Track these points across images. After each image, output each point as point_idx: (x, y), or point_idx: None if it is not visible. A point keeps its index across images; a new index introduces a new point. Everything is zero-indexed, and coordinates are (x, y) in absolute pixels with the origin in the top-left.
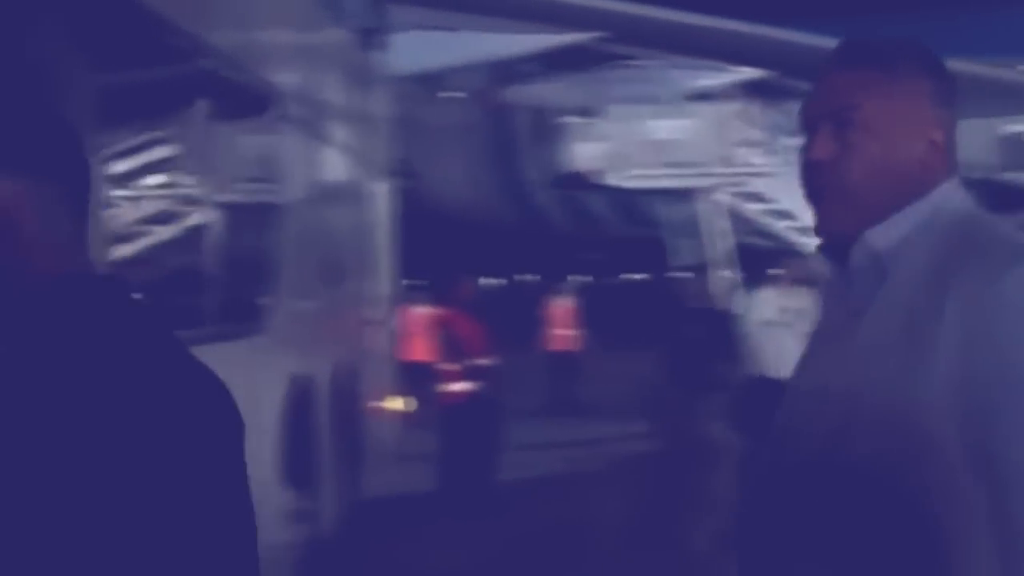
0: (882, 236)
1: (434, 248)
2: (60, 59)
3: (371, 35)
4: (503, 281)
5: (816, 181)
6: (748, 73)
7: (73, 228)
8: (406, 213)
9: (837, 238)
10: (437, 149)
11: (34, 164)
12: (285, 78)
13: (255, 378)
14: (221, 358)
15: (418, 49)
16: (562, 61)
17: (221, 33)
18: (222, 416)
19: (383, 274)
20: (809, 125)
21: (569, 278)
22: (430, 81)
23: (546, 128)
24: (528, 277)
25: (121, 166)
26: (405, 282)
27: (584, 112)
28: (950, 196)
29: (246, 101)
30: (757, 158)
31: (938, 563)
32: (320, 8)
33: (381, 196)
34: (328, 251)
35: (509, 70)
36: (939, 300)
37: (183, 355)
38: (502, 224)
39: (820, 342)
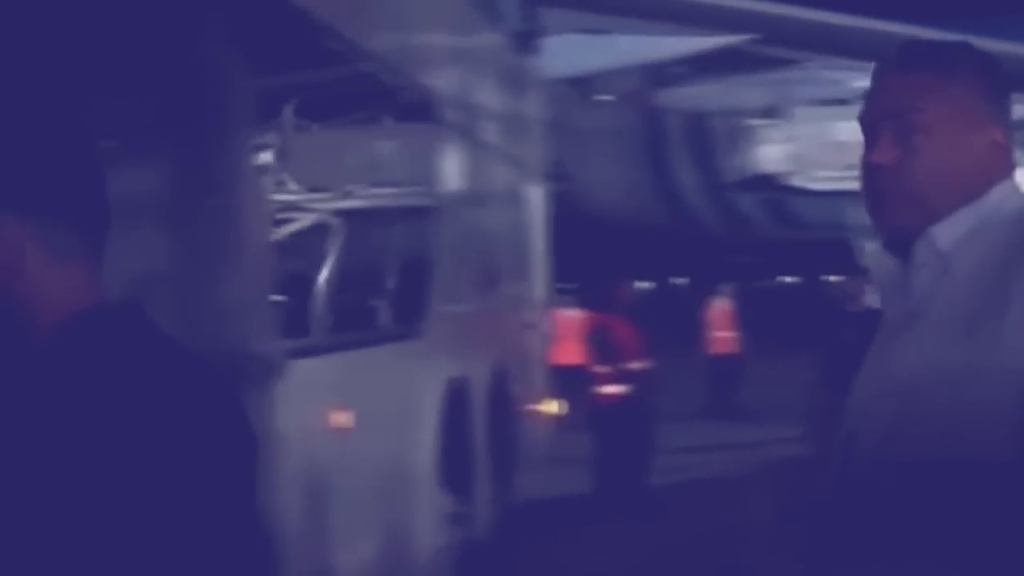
0: (946, 233)
1: (587, 252)
2: (221, 62)
3: (525, 39)
4: (657, 284)
5: (878, 184)
6: None
7: (88, 267)
8: (559, 216)
9: (900, 234)
10: (590, 152)
11: (50, 206)
12: (440, 82)
13: (413, 381)
14: (380, 361)
15: (571, 52)
16: (715, 63)
17: (378, 37)
18: (235, 436)
19: (537, 278)
20: (869, 129)
21: (724, 281)
22: (583, 84)
23: (703, 130)
24: (682, 280)
25: (275, 167)
26: (558, 286)
27: (742, 114)
28: (1009, 194)
29: (402, 105)
30: None
31: (995, 551)
32: (474, 12)
33: (535, 199)
34: (483, 255)
35: (662, 73)
36: (1003, 295)
37: (199, 376)
38: (655, 227)
39: (882, 336)
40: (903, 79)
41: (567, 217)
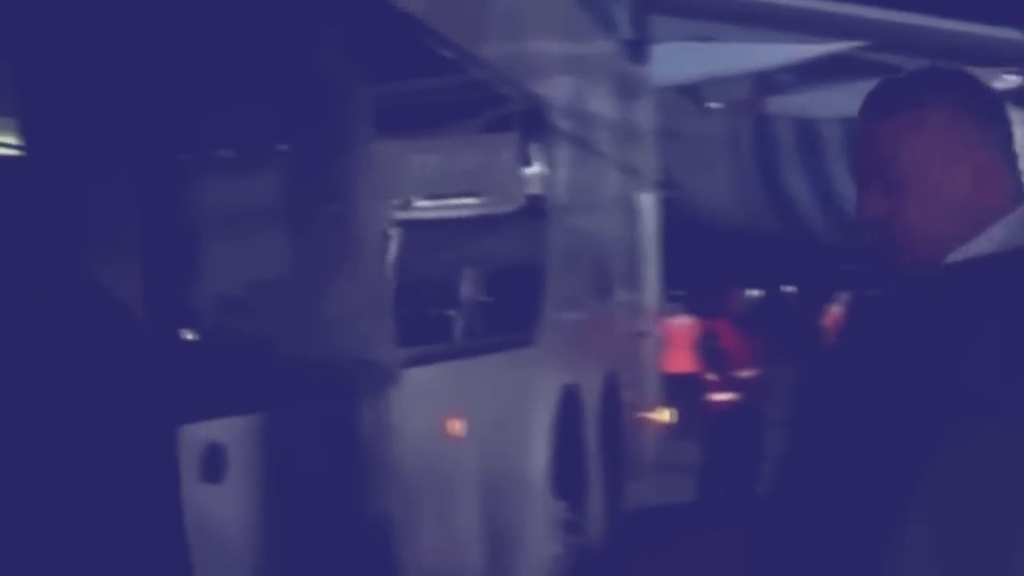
0: None
1: (698, 259)
2: (337, 70)
3: (635, 47)
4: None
5: (876, 237)
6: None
7: None
8: (670, 224)
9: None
10: (700, 160)
11: None
12: (552, 89)
13: (525, 389)
14: (494, 369)
15: (681, 60)
16: (824, 70)
17: (490, 45)
18: None
19: (648, 285)
20: (858, 181)
21: (835, 288)
22: (692, 92)
23: (813, 137)
24: (792, 288)
25: (394, 177)
26: (669, 293)
27: (851, 121)
28: (1015, 230)
29: (515, 112)
30: None
31: None
32: (586, 20)
33: (646, 207)
34: (595, 262)
35: (771, 80)
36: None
37: None
38: (766, 234)
39: None
40: (878, 126)
41: (678, 224)
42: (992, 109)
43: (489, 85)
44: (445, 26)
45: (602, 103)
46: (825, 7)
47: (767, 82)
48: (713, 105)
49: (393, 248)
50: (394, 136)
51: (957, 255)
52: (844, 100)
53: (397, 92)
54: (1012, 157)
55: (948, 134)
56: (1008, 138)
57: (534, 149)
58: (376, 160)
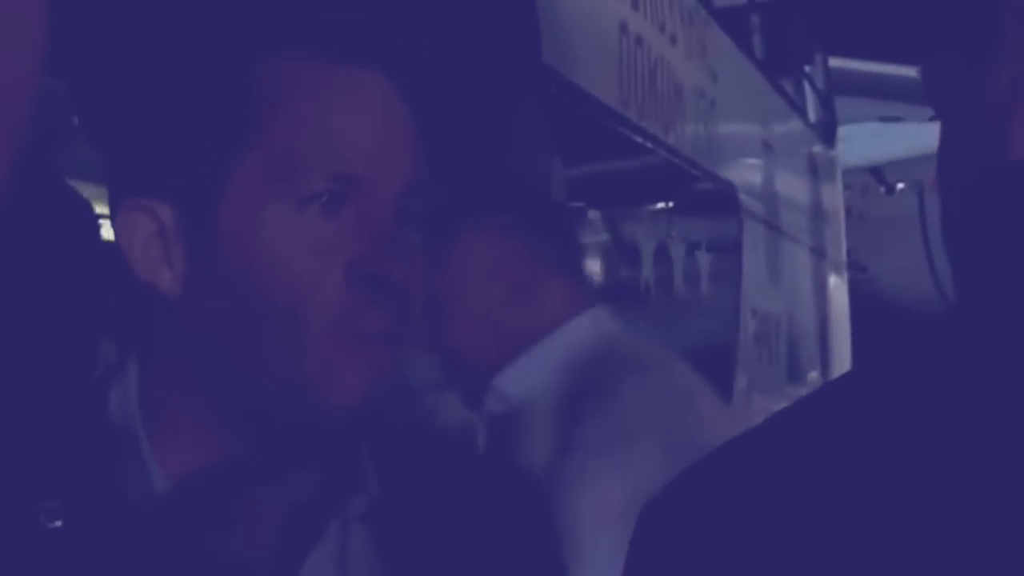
0: (510, 379)
1: (887, 341)
2: (533, 155)
3: (823, 128)
4: None
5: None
6: None
7: None
8: (857, 305)
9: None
10: (887, 240)
11: None
12: (741, 172)
13: None
14: None
15: (868, 141)
16: None
17: (680, 128)
18: None
19: (839, 368)
20: None
21: None
22: (880, 172)
23: None
24: None
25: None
26: None
27: None
28: (574, 333)
29: (703, 195)
30: None
31: None
32: (775, 102)
33: (835, 289)
34: (785, 345)
35: None
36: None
37: None
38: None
39: None
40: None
41: (866, 306)
42: (553, 226)
43: (678, 168)
44: (638, 113)
45: (791, 184)
46: None
47: None
48: (900, 185)
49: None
50: (587, 221)
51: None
52: None
53: (590, 176)
54: (563, 271)
55: (496, 252)
56: (560, 253)
57: (723, 232)
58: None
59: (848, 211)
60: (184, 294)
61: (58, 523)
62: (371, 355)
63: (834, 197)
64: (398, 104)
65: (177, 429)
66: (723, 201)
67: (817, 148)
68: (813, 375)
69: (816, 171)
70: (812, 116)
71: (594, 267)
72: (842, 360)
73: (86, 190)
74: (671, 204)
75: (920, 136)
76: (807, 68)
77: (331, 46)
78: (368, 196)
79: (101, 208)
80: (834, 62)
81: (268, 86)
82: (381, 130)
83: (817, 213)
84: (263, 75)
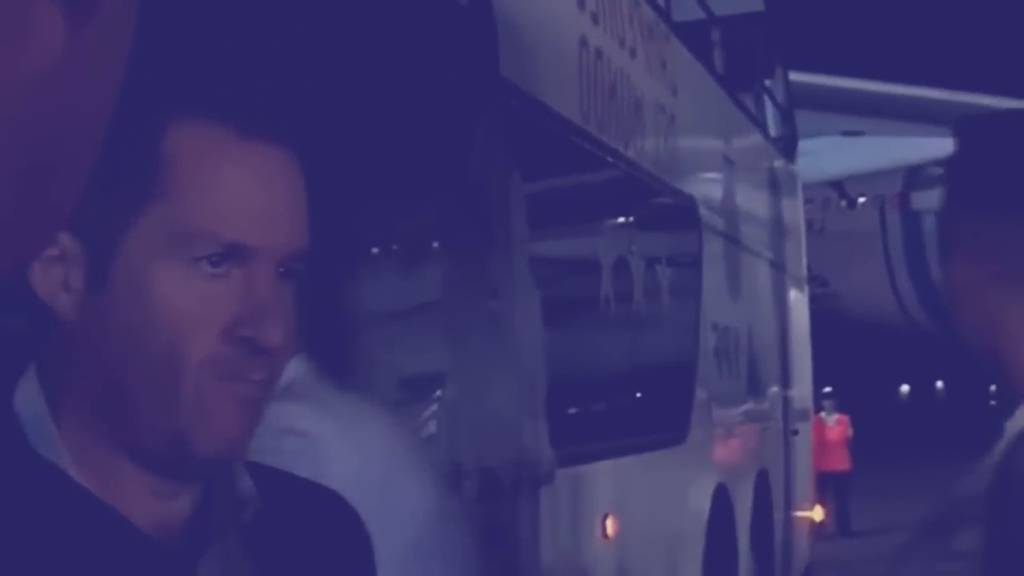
0: None
1: (847, 356)
2: (492, 170)
3: (783, 142)
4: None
5: None
6: None
7: None
8: (818, 320)
9: None
10: (848, 255)
11: None
12: (701, 186)
13: (677, 489)
14: (645, 468)
15: (829, 155)
16: None
17: (641, 143)
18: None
19: (799, 382)
20: None
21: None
22: (840, 186)
23: None
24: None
25: (547, 275)
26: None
27: None
28: None
29: (665, 209)
30: None
31: None
32: (735, 117)
33: (795, 303)
34: (745, 359)
35: (919, 174)
36: None
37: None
38: (914, 329)
39: None
40: None
41: (827, 320)
42: None
43: (638, 182)
44: (598, 127)
45: (751, 198)
46: (972, 100)
47: (915, 176)
48: (862, 199)
49: (546, 346)
50: (546, 234)
51: None
52: None
53: (550, 191)
54: None
55: None
56: None
57: (683, 247)
58: (530, 258)
59: (809, 225)
60: (78, 320)
61: None
62: (240, 407)
63: (795, 211)
64: (295, 177)
65: (80, 427)
66: (683, 215)
67: (777, 162)
68: (773, 389)
69: (776, 185)
70: (772, 130)
71: (554, 281)
72: (802, 373)
73: None
74: (631, 218)
75: (881, 150)
76: (767, 82)
77: (242, 117)
78: (254, 263)
79: None
80: (795, 76)
81: (177, 145)
82: (275, 203)
83: (777, 227)
84: (175, 134)
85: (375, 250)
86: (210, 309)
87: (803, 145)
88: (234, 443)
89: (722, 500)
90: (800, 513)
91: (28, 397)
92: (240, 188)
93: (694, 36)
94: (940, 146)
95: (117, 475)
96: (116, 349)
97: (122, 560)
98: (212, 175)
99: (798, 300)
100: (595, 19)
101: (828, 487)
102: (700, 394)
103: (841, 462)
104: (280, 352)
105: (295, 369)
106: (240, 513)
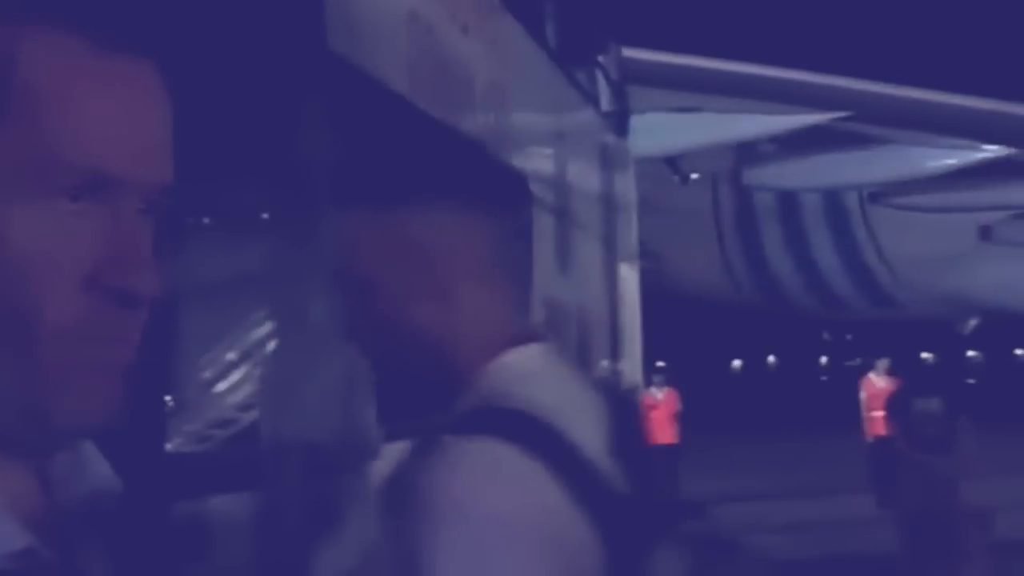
0: None
1: (679, 331)
2: (317, 144)
3: (616, 117)
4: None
5: None
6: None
7: None
8: (649, 295)
9: None
10: (681, 230)
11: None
12: (532, 161)
13: None
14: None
15: (662, 131)
16: (806, 141)
17: (468, 117)
18: None
19: (629, 357)
20: None
21: (818, 358)
22: (672, 163)
23: (794, 209)
24: (773, 359)
25: None
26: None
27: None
28: None
29: (494, 185)
30: None
31: None
32: (567, 92)
33: (627, 278)
34: (575, 334)
35: (753, 150)
36: None
37: None
38: (746, 305)
39: None
40: None
41: (658, 295)
42: None
43: (469, 157)
44: (427, 101)
45: (582, 174)
46: (808, 78)
47: (749, 153)
48: (695, 176)
49: None
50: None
51: None
52: (826, 171)
53: (379, 166)
54: None
55: None
56: None
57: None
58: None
59: (641, 201)
60: None
61: None
62: (104, 368)
63: (627, 187)
64: (163, 100)
65: None
66: (513, 191)
67: (610, 138)
68: (604, 363)
69: (608, 161)
70: (605, 106)
71: None
72: (633, 349)
73: None
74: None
75: (716, 127)
76: (600, 58)
77: (104, 27)
78: (119, 198)
79: None
80: (628, 52)
81: (32, 60)
82: (142, 127)
83: (609, 203)
84: (30, 47)
85: (203, 221)
86: (68, 254)
87: (636, 120)
88: (97, 416)
89: None
90: None
91: None
92: (100, 108)
93: (527, 11)
94: (773, 123)
95: None
96: None
97: None
98: (69, 89)
99: (629, 275)
100: None
101: (656, 460)
102: None
103: (668, 435)
104: (148, 304)
105: None
106: (95, 503)
